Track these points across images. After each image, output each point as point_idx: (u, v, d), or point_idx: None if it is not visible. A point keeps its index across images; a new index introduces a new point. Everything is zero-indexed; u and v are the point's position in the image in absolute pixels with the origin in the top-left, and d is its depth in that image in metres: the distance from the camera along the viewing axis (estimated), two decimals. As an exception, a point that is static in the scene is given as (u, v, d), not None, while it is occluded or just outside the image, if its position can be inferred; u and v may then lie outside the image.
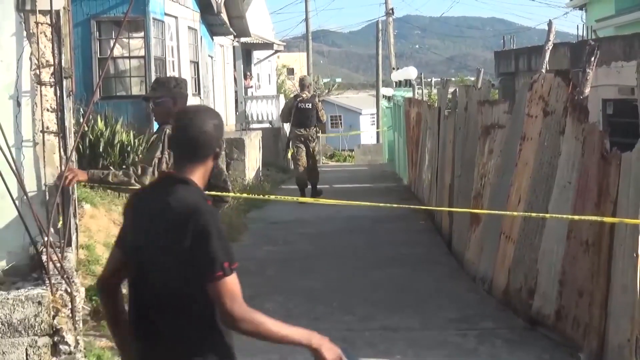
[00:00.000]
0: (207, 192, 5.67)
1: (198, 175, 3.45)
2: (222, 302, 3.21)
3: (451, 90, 14.53)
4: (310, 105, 17.35)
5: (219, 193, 6.59)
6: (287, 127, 29.71)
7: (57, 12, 7.17)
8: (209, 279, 3.21)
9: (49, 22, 7.11)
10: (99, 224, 11.10)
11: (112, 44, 15.87)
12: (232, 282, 3.23)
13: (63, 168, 7.04)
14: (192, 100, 19.84)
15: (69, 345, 5.89)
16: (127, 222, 3.58)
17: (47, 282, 5.99)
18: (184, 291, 3.28)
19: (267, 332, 3.30)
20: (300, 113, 17.32)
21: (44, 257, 6.18)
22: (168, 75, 17.18)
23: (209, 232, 3.24)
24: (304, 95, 17.53)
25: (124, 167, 13.38)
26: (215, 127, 3.52)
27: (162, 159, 6.22)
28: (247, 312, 3.25)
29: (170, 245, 3.26)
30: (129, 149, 13.86)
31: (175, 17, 18.79)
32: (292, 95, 21.30)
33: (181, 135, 3.46)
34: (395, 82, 39.32)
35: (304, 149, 17.46)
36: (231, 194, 6.65)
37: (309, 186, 17.60)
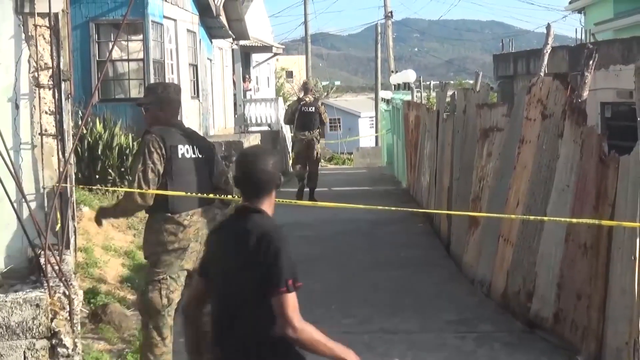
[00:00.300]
0: (211, 196, 5.69)
1: (267, 205, 4.03)
2: (283, 313, 3.72)
3: (450, 93, 14.54)
4: (313, 108, 17.60)
5: (221, 197, 6.54)
6: (286, 129, 29.77)
7: (56, 14, 7.18)
8: (274, 294, 3.72)
9: (48, 25, 7.12)
10: (97, 227, 11.09)
11: (110, 47, 15.88)
12: (292, 298, 3.76)
13: (61, 171, 7.04)
14: (190, 103, 19.89)
15: (67, 348, 5.89)
16: (211, 249, 4.13)
17: (45, 284, 5.99)
18: (258, 304, 3.77)
19: (318, 344, 3.80)
20: (304, 116, 17.55)
21: (42, 260, 6.18)
22: (167, 78, 17.21)
23: (280, 254, 3.78)
24: (307, 99, 17.77)
25: (121, 181, 13.38)
26: (274, 165, 4.05)
27: (145, 169, 6.11)
28: (304, 324, 3.77)
29: (248, 265, 3.78)
30: (127, 151, 13.86)
31: (174, 20, 18.80)
32: (295, 99, 21.49)
33: (246, 177, 3.99)
34: (394, 85, 39.28)
35: (305, 151, 17.74)
36: (230, 197, 6.61)
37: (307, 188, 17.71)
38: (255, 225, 3.89)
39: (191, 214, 6.28)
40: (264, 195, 4.01)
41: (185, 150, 6.28)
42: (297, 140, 17.85)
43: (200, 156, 6.37)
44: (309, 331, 3.78)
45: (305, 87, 18.45)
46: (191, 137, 6.42)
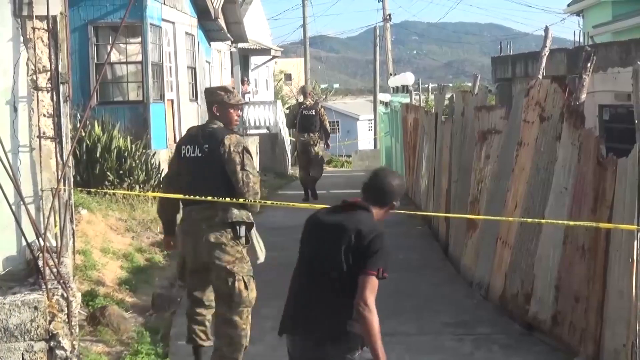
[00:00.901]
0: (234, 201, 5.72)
1: (377, 212, 4.81)
2: (364, 291, 4.52)
3: (448, 95, 14.57)
4: (313, 112, 18.26)
5: (231, 202, 6.63)
6: (284, 132, 29.79)
7: (54, 17, 7.19)
8: (364, 272, 4.53)
9: (46, 28, 7.12)
10: (96, 229, 11.11)
11: (109, 50, 15.88)
12: (376, 283, 4.57)
13: (59, 173, 7.05)
14: (189, 106, 19.89)
15: (65, 350, 5.89)
16: (305, 231, 5.03)
17: (44, 287, 6.00)
18: (343, 277, 4.58)
19: (373, 330, 4.57)
20: (304, 119, 18.23)
21: (40, 262, 6.18)
22: (165, 81, 17.25)
23: (382, 246, 4.59)
24: (307, 103, 18.45)
25: (121, 172, 13.38)
26: (398, 186, 4.89)
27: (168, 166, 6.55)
28: (374, 309, 4.55)
29: (351, 247, 4.58)
30: (126, 154, 13.86)
31: (173, 23, 18.80)
32: (295, 103, 22.00)
33: (376, 185, 4.86)
34: (393, 88, 39.26)
35: (306, 151, 18.32)
36: (237, 201, 6.57)
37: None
38: (364, 219, 4.71)
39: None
40: (380, 205, 4.83)
41: (186, 150, 6.57)
42: (299, 142, 18.47)
43: (199, 155, 6.53)
44: (374, 316, 4.55)
45: (303, 92, 19.15)
46: (198, 136, 6.67)
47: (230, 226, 6.58)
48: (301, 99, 19.12)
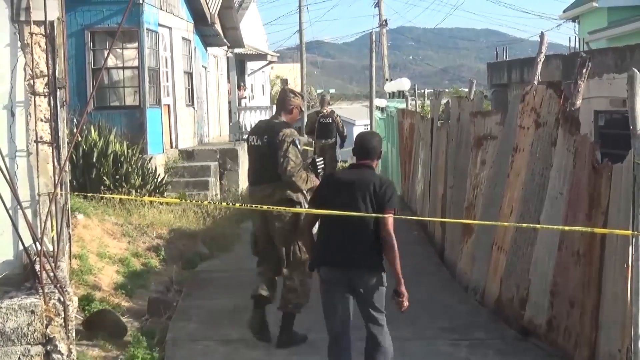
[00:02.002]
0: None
1: (374, 165, 6.47)
2: (387, 225, 6.15)
3: (444, 101, 14.58)
4: (330, 119, 19.49)
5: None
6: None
7: (52, 22, 7.21)
8: (386, 212, 6.15)
9: (43, 33, 7.15)
10: (92, 234, 11.11)
11: (106, 55, 15.90)
12: (392, 219, 6.17)
13: (56, 178, 7.06)
14: (185, 111, 19.90)
15: (62, 354, 5.90)
16: (327, 186, 6.52)
17: (40, 291, 6.01)
18: (366, 220, 6.14)
19: (395, 254, 6.28)
20: (322, 127, 19.50)
21: (37, 267, 6.19)
22: (162, 86, 17.24)
23: (393, 192, 6.27)
24: (325, 111, 19.79)
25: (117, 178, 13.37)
26: (378, 142, 6.58)
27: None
28: (393, 234, 6.18)
29: (368, 195, 6.18)
30: (122, 159, 13.88)
31: (169, 28, 18.83)
32: (313, 111, 23.45)
33: (363, 147, 6.44)
34: (389, 93, 39.31)
35: (325, 154, 18.74)
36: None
37: None
38: (374, 174, 6.39)
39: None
40: (372, 159, 6.44)
41: (252, 140, 8.14)
42: (318, 147, 19.55)
43: (260, 144, 8.02)
44: (395, 242, 6.19)
45: (322, 100, 20.48)
46: (262, 128, 8.26)
47: (287, 202, 7.87)
48: (320, 107, 20.42)
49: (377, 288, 6.47)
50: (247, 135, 8.53)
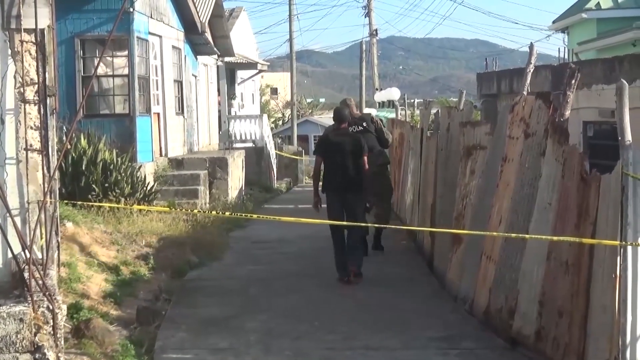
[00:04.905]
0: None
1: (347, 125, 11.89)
2: (365, 163, 11.26)
3: (434, 111, 14.62)
4: (362, 126, 17.17)
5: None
6: (270, 146, 29.76)
7: (42, 30, 7.21)
8: (364, 155, 11.28)
9: (34, 41, 7.15)
10: (81, 242, 11.10)
11: (96, 63, 15.90)
12: (366, 157, 11.37)
13: (46, 186, 7.06)
14: (175, 120, 19.90)
15: (50, 363, 5.89)
16: (328, 142, 11.48)
17: (29, 299, 6.00)
18: (356, 160, 11.17)
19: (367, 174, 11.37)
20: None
21: (26, 274, 6.19)
22: (152, 94, 17.24)
23: (365, 143, 11.47)
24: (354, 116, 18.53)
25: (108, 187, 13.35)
26: (348, 111, 12.11)
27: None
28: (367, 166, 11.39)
29: (357, 145, 11.27)
30: (111, 167, 13.86)
31: (160, 36, 18.84)
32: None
33: (341, 114, 11.65)
34: (379, 103, 39.41)
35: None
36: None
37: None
38: (354, 133, 12.03)
39: None
40: (346, 122, 11.70)
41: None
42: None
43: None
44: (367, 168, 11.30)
45: (346, 106, 19.24)
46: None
47: None
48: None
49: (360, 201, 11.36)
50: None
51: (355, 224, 10.77)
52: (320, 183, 11.68)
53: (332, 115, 12.43)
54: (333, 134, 11.58)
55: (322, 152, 11.47)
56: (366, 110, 37.92)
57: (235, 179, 21.42)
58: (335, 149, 11.24)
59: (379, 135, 13.79)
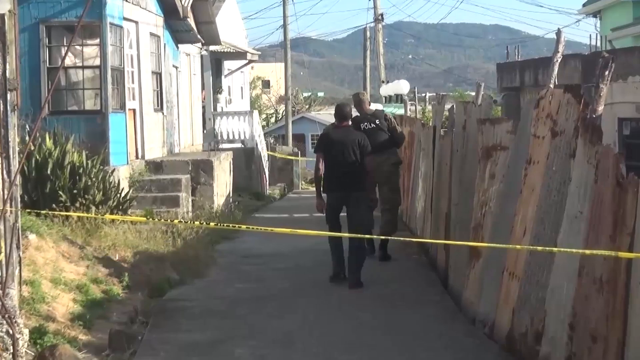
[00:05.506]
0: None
1: (350, 123, 12.78)
2: (368, 163, 12.12)
3: (448, 106, 14.61)
4: (375, 123, 17.16)
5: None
6: (262, 147, 29.73)
7: (2, 16, 7.19)
8: (366, 156, 12.09)
9: (-8, 27, 7.12)
10: (46, 256, 11.07)
11: (63, 52, 15.88)
12: (369, 157, 12.25)
13: (6, 193, 7.03)
14: (153, 116, 19.89)
15: (10, 396, 5.86)
16: (330, 140, 12.24)
17: (-14, 323, 5.96)
18: (359, 159, 12.03)
19: (370, 176, 12.36)
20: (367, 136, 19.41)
21: (-18, 295, 6.16)
22: (127, 88, 17.22)
23: (368, 143, 12.26)
24: (365, 112, 18.23)
25: (74, 191, 13.34)
26: (350, 108, 12.88)
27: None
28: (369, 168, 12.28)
29: (359, 145, 12.07)
30: (80, 171, 13.83)
31: (136, 22, 18.84)
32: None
33: (343, 112, 12.56)
34: (385, 97, 39.47)
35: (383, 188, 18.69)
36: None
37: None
38: (356, 131, 12.63)
39: None
40: (348, 120, 12.61)
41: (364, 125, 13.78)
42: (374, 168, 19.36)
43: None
44: (371, 170, 12.23)
45: (359, 101, 19.28)
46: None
47: None
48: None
49: (363, 200, 12.18)
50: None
51: (359, 225, 11.77)
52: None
53: (332, 112, 12.96)
54: (334, 131, 12.48)
55: (322, 150, 12.25)
56: (372, 106, 37.96)
57: (222, 184, 21.42)
58: (336, 147, 12.06)
59: (393, 134, 14.20)
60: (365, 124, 13.88)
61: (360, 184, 11.98)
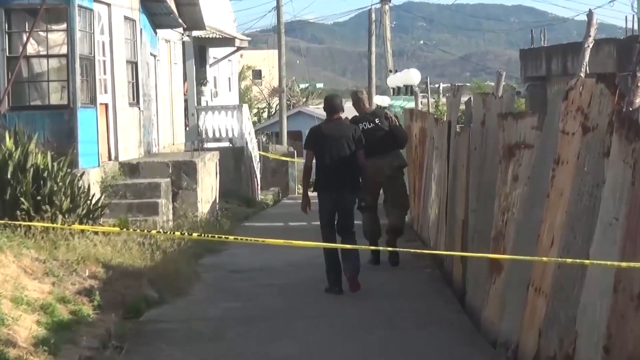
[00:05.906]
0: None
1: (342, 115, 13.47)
2: (361, 158, 12.86)
3: (464, 99, 14.61)
4: (375, 123, 17.60)
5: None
6: (252, 146, 29.75)
7: (-48, -3, 7.18)
8: (360, 150, 12.85)
9: (-59, 10, 7.12)
10: (6, 272, 11.07)
11: (25, 39, 15.88)
12: (362, 151, 13.00)
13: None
14: (128, 112, 19.89)
15: None
16: (321, 135, 12.84)
17: (-64, 349, 5.96)
18: (352, 155, 12.73)
19: (364, 170, 13.06)
20: (367, 137, 19.65)
21: None
22: (97, 79, 17.22)
23: (361, 135, 13.06)
24: (365, 111, 18.69)
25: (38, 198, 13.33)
26: (341, 100, 13.54)
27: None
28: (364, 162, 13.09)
29: (350, 140, 12.74)
30: (45, 174, 13.83)
31: (108, 5, 18.87)
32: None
33: (333, 104, 13.15)
34: (393, 89, 39.44)
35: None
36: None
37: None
38: (348, 124, 13.42)
39: None
40: (339, 112, 13.05)
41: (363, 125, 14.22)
42: (373, 172, 19.41)
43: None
44: (365, 165, 12.96)
45: (357, 99, 19.50)
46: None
47: None
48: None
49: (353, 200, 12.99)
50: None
51: (349, 226, 13.08)
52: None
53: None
54: (325, 125, 13.09)
55: (313, 145, 12.92)
56: (377, 99, 37.98)
57: (207, 189, 21.43)
58: (328, 142, 12.65)
59: (394, 133, 14.54)
60: (365, 123, 14.25)
61: (355, 183, 12.73)
